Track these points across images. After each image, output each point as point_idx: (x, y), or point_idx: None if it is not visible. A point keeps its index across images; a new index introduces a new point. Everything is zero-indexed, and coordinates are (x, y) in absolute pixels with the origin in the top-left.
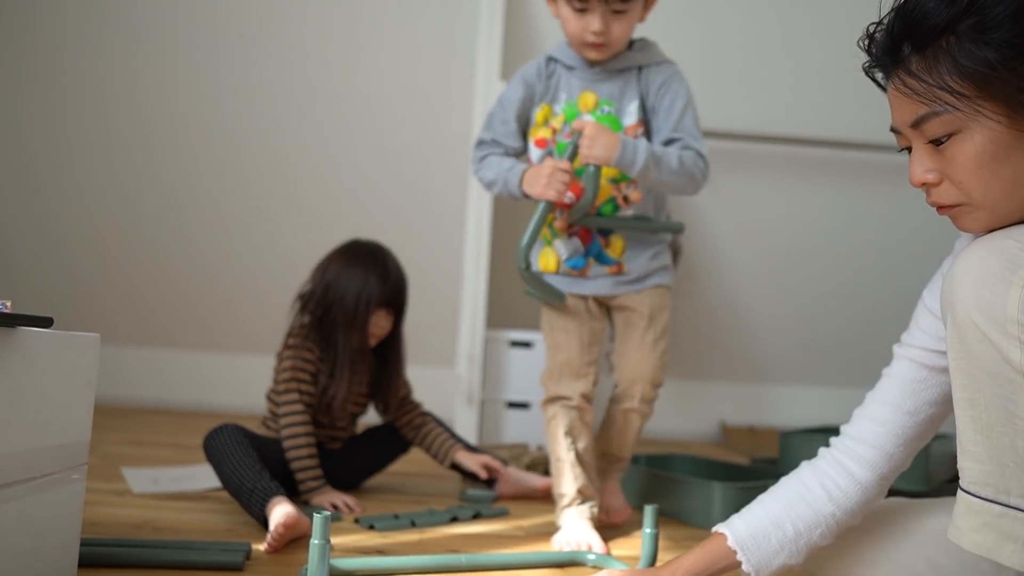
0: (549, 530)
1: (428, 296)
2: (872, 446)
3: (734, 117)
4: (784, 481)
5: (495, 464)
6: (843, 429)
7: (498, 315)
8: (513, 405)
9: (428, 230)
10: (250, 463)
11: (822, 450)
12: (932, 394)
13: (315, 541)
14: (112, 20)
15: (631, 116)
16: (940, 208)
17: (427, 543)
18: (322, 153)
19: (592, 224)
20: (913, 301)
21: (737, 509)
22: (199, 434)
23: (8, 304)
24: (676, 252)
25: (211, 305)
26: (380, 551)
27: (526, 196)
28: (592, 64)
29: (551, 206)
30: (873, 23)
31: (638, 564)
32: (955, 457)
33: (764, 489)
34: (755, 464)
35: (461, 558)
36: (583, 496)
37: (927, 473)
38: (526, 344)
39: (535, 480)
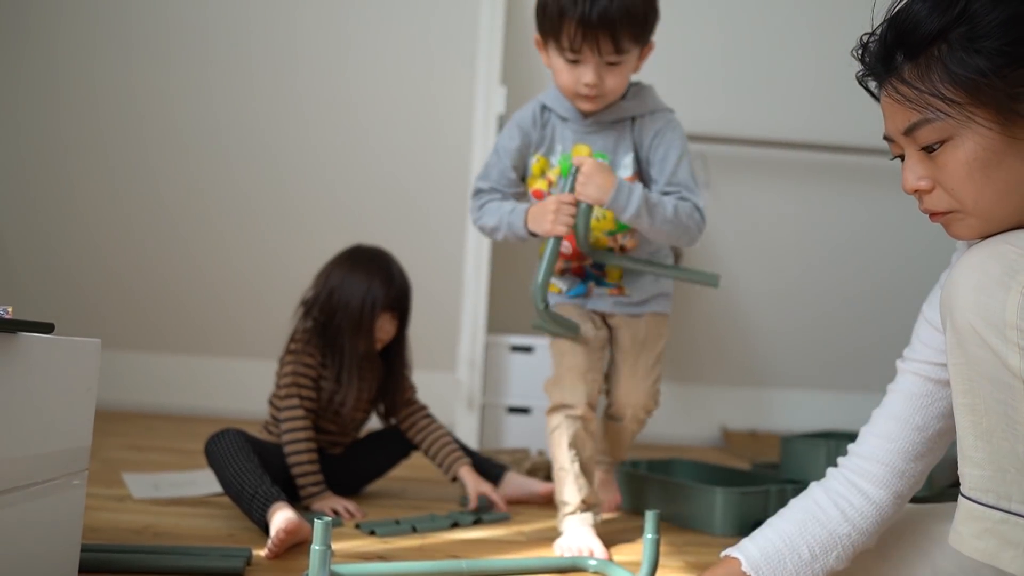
0: (550, 535)
1: (428, 301)
2: (882, 463)
3: (735, 121)
4: (795, 503)
5: (492, 497)
6: (851, 448)
7: (498, 320)
8: (514, 410)
9: (428, 234)
10: (251, 468)
11: (831, 470)
12: (940, 408)
13: (316, 547)
14: (109, 29)
15: (626, 169)
16: (932, 215)
17: (428, 548)
18: (321, 158)
19: (617, 263)
20: (915, 305)
21: (739, 514)
22: (200, 439)
23: (9, 310)
24: (677, 256)
25: (211, 310)
26: (381, 556)
27: (533, 235)
28: (586, 115)
29: (561, 241)
30: (866, 33)
31: (640, 570)
32: (957, 462)
33: (765, 494)
34: (756, 469)
35: (462, 563)
36: (586, 504)
37: (929, 478)
38: (527, 349)
39: (536, 485)
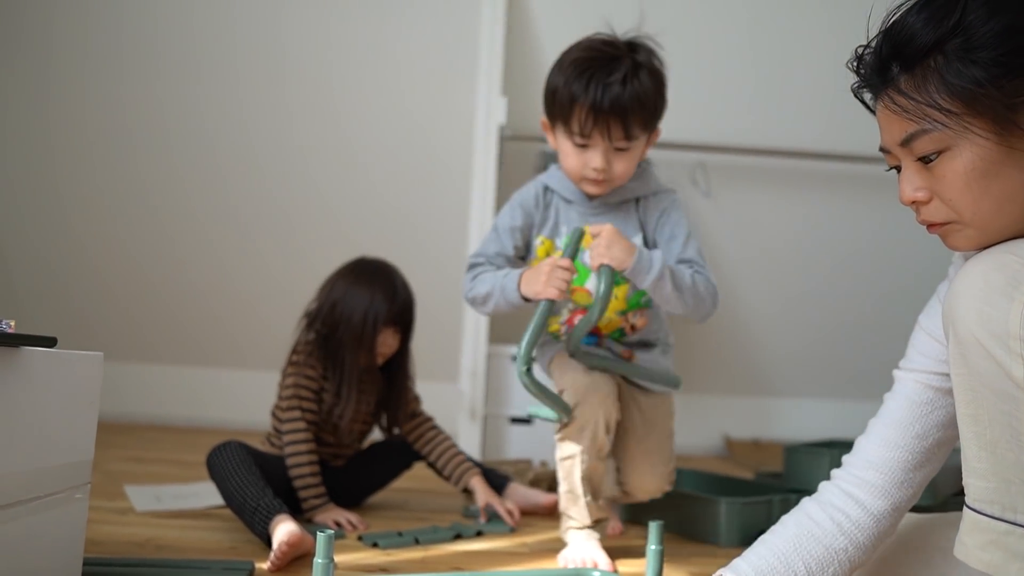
0: (554, 546)
1: (430, 311)
2: (881, 472)
3: (736, 131)
4: (787, 519)
5: (499, 510)
6: (846, 459)
7: (500, 330)
8: (516, 420)
9: (430, 244)
10: (253, 480)
11: (824, 484)
12: (940, 417)
13: (318, 560)
14: (103, 47)
15: None
16: (930, 226)
17: (431, 560)
18: (319, 170)
19: (587, 361)
20: (918, 315)
21: (742, 524)
22: (202, 451)
23: (12, 324)
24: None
25: (210, 322)
26: (384, 569)
27: (525, 300)
28: (591, 197)
29: (552, 305)
30: (860, 45)
31: None
32: (961, 471)
33: (769, 504)
34: (760, 478)
35: (465, 575)
36: (596, 521)
37: (934, 487)
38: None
39: (540, 496)
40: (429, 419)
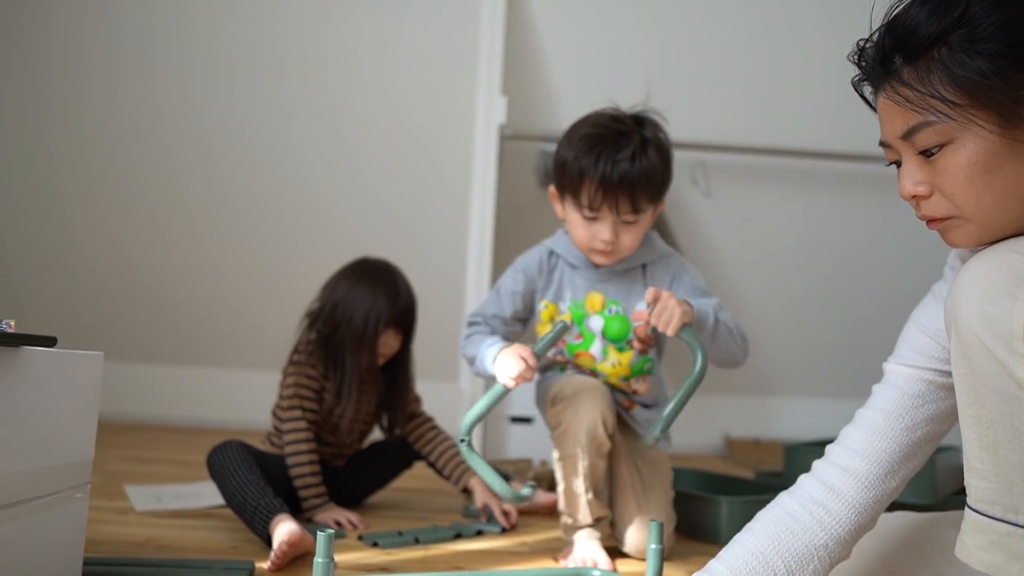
0: (553, 546)
1: (431, 310)
2: (867, 460)
3: (736, 130)
4: (763, 515)
5: (496, 514)
6: (830, 448)
7: None
8: (516, 420)
9: (430, 244)
10: (253, 480)
11: (803, 477)
12: (930, 411)
13: (319, 559)
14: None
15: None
16: (930, 222)
17: (431, 560)
18: (318, 170)
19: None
20: None
21: (743, 524)
22: (202, 451)
23: (12, 324)
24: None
25: (212, 322)
26: (384, 568)
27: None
28: (597, 265)
29: (507, 392)
30: (862, 38)
31: None
32: (962, 469)
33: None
34: (760, 477)
35: (465, 575)
36: (596, 520)
37: (933, 486)
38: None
39: (539, 496)
40: (429, 419)
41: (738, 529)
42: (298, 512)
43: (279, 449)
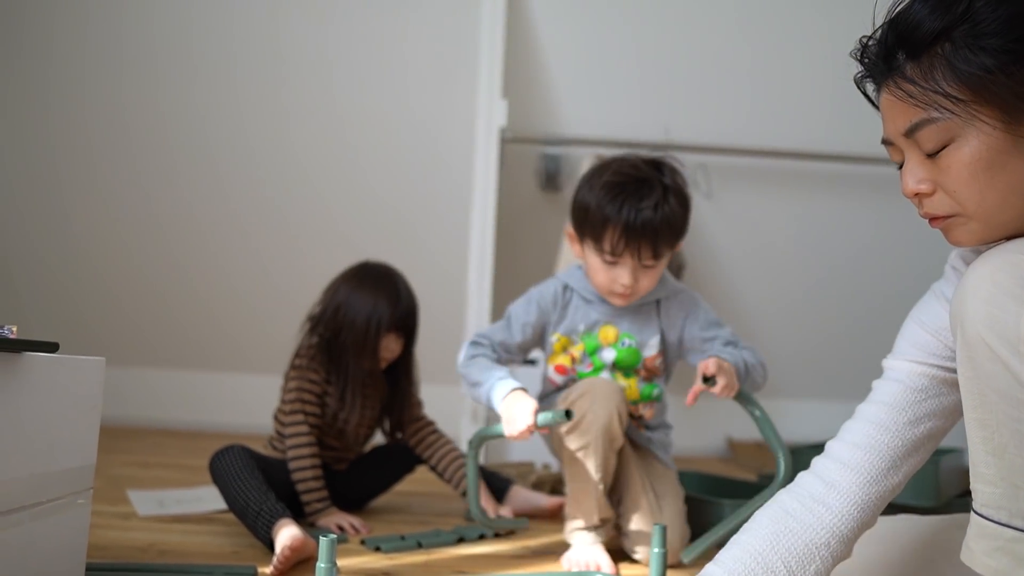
0: (556, 549)
1: (431, 314)
2: (870, 453)
3: (737, 132)
4: (761, 515)
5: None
6: (830, 445)
7: None
8: None
9: (431, 247)
10: (256, 485)
11: (802, 475)
12: (933, 405)
13: (321, 564)
14: (102, 51)
15: (652, 349)
16: (932, 220)
17: (433, 564)
18: (320, 173)
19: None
20: None
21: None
22: (204, 455)
23: (14, 329)
24: (680, 267)
25: (215, 325)
26: (386, 573)
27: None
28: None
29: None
30: (864, 35)
31: None
32: (966, 471)
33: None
34: (763, 480)
35: None
36: (602, 521)
37: (937, 489)
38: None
39: (542, 499)
40: (431, 423)
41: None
42: (300, 516)
43: (281, 453)
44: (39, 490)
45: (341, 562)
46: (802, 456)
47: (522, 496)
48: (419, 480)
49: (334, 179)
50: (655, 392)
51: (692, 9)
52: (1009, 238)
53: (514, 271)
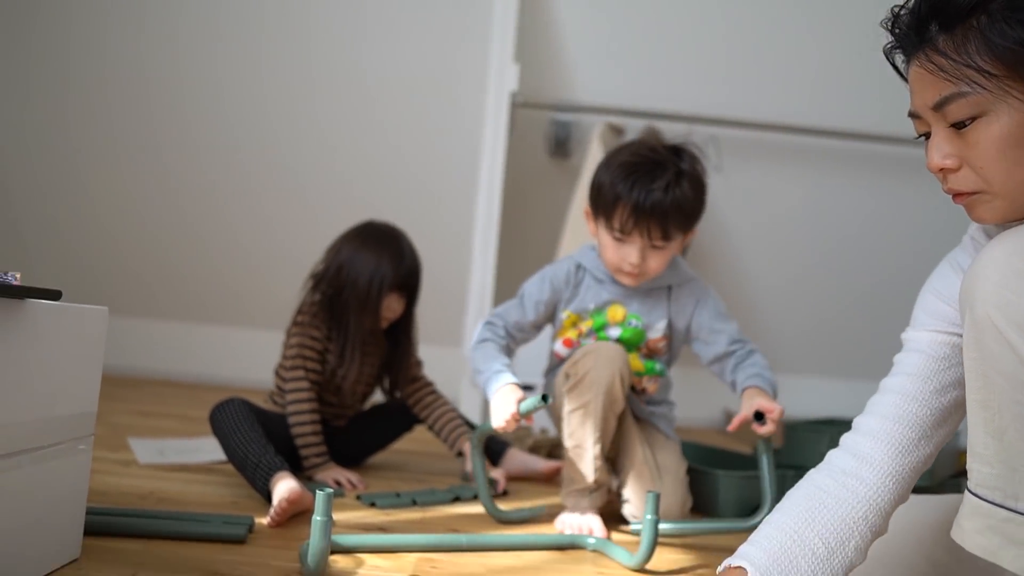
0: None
1: (435, 276)
2: (901, 423)
3: (748, 105)
4: (793, 494)
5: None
6: (857, 421)
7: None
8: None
9: (438, 209)
10: (255, 438)
11: (832, 452)
12: (957, 373)
13: (317, 517)
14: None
15: (657, 332)
16: (956, 196)
17: (428, 522)
18: (330, 134)
19: None
20: None
21: (740, 498)
22: (206, 407)
23: (18, 276)
24: (684, 249)
25: (219, 279)
26: (382, 528)
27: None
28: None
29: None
30: (897, 5)
31: (638, 550)
32: (959, 453)
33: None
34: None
35: (462, 538)
36: (598, 484)
37: (930, 468)
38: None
39: (538, 463)
40: (429, 383)
41: (734, 503)
42: (298, 470)
43: (281, 408)
44: (40, 435)
45: (337, 516)
46: (800, 432)
47: (518, 459)
48: (417, 439)
49: (343, 137)
50: (657, 367)
51: None
52: None
53: (520, 235)
